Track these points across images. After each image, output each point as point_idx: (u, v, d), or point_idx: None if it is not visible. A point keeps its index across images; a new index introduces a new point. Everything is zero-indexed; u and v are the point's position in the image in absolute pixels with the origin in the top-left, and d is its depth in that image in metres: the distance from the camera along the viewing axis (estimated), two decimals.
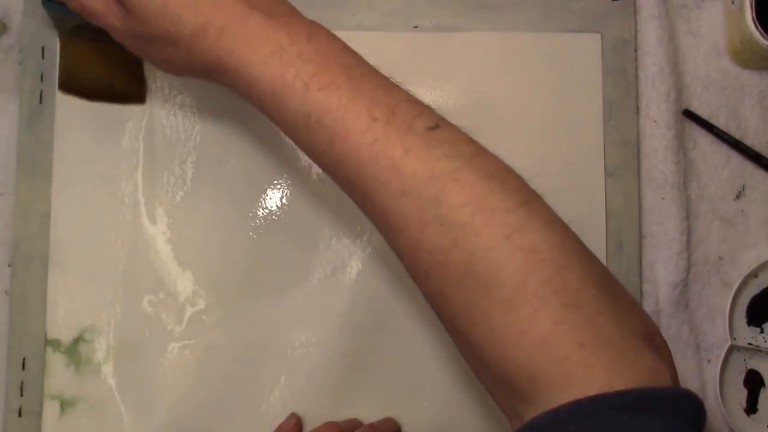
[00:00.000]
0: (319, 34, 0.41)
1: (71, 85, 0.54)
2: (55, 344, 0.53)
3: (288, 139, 0.54)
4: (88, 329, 0.53)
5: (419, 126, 0.38)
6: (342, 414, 0.52)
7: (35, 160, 0.54)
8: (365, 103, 0.38)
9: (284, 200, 0.54)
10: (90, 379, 0.52)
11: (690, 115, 0.55)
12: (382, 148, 0.37)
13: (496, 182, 0.36)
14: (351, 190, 0.40)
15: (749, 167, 0.55)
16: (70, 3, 0.46)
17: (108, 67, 0.53)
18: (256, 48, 0.40)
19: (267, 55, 0.39)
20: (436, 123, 0.38)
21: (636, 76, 0.54)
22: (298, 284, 0.53)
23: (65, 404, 0.52)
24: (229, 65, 0.40)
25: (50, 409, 0.52)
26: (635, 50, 0.54)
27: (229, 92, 0.54)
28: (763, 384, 0.54)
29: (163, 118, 0.54)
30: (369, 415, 0.52)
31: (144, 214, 0.53)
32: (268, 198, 0.54)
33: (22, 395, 0.52)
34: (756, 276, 0.54)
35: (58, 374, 0.52)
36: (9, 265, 0.53)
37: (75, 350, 0.53)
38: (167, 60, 0.44)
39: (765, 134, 0.55)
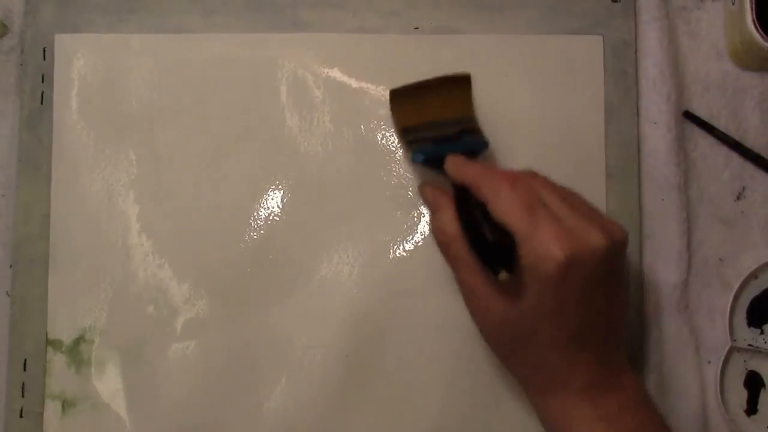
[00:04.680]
0: (640, 405, 0.45)
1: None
2: (56, 345, 0.53)
3: (288, 140, 0.54)
4: (89, 329, 0.53)
5: None
6: (342, 416, 0.52)
7: (36, 161, 0.54)
8: None
9: (285, 201, 0.54)
10: (91, 380, 0.53)
11: (690, 116, 0.55)
12: None
13: None
14: None
15: (750, 169, 0.55)
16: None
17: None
18: (588, 412, 0.43)
19: (595, 419, 0.43)
20: None
21: (636, 77, 0.54)
22: (300, 285, 0.53)
23: (67, 404, 0.52)
24: (554, 412, 0.44)
25: (52, 409, 0.52)
26: (635, 52, 0.54)
27: (227, 94, 0.54)
28: (763, 385, 0.54)
29: (163, 121, 0.54)
30: (369, 416, 0.52)
31: (144, 214, 0.54)
32: (268, 199, 0.54)
33: (23, 396, 0.52)
34: (756, 277, 0.54)
35: (60, 375, 0.53)
36: (10, 266, 0.54)
37: (76, 351, 0.53)
38: (492, 328, 0.45)
39: (765, 135, 0.55)
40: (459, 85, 0.52)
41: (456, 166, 0.47)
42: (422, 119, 0.51)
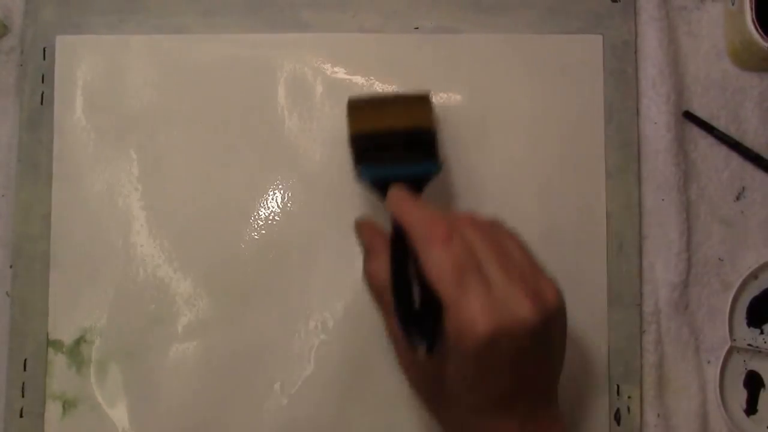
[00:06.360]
0: None
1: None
2: (57, 345, 0.53)
3: (288, 140, 0.54)
4: (90, 330, 0.53)
5: None
6: (341, 415, 0.52)
7: (36, 161, 0.54)
8: None
9: (285, 201, 0.54)
10: (92, 380, 0.53)
11: (690, 116, 0.55)
12: None
13: None
14: None
15: (749, 169, 0.55)
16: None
17: None
18: None
19: None
20: None
21: (636, 77, 0.54)
22: (299, 285, 0.53)
23: (68, 405, 0.52)
24: None
25: (53, 409, 0.52)
26: (635, 52, 0.55)
27: (227, 94, 0.54)
28: (763, 385, 0.54)
29: (164, 121, 0.54)
30: (370, 415, 0.52)
31: (144, 215, 0.54)
32: (268, 199, 0.54)
33: (23, 396, 0.52)
34: (756, 277, 0.54)
35: (60, 375, 0.53)
36: (10, 267, 0.54)
37: (77, 351, 0.53)
38: (415, 382, 0.44)
39: (765, 136, 0.55)
40: (420, 101, 0.49)
41: (397, 203, 0.43)
42: (377, 126, 0.47)
